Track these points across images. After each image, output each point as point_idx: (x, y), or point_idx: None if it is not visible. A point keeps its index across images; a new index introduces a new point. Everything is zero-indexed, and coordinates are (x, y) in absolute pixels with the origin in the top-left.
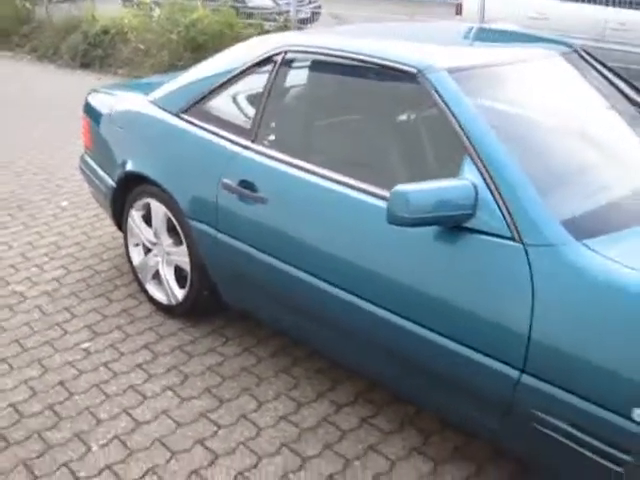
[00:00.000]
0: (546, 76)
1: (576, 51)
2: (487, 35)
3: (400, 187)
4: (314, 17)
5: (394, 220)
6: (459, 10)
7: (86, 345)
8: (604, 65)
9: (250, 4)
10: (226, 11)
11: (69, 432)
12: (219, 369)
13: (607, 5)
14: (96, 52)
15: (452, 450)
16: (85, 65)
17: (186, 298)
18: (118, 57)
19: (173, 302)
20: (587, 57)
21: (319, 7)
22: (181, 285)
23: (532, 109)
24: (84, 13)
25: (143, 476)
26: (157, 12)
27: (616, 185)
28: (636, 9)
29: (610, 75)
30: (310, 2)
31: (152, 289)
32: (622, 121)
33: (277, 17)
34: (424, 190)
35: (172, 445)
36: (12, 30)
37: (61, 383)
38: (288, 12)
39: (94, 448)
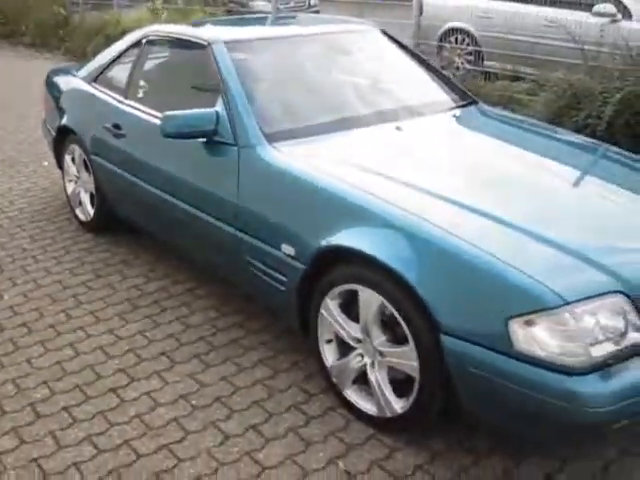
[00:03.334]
0: (323, 45)
1: (380, 30)
2: (306, 20)
3: (167, 113)
4: None
5: (163, 134)
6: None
7: (25, 246)
8: (395, 40)
9: (254, 8)
10: (219, 13)
11: None
12: (107, 260)
13: (541, 5)
14: None
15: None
16: None
17: (94, 215)
18: None
19: (88, 218)
20: (382, 34)
21: (317, 12)
22: (93, 206)
23: (286, 66)
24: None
25: (30, 311)
26: (164, 15)
27: (323, 115)
28: (564, 8)
29: (396, 45)
30: (310, 6)
31: (78, 211)
32: (369, 70)
33: None
34: (181, 114)
35: (57, 298)
36: (51, 35)
37: None
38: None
39: (5, 297)
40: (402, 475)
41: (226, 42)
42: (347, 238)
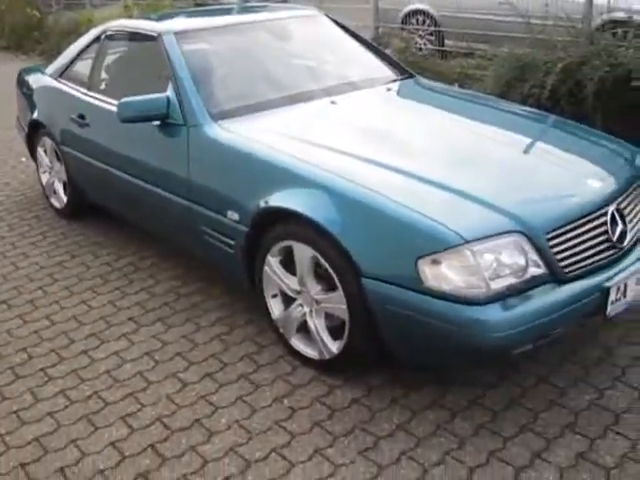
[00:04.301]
0: (268, 30)
1: (325, 15)
2: (258, 9)
3: (123, 99)
4: None
5: (120, 119)
6: None
7: (3, 234)
8: (341, 24)
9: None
10: (186, 5)
11: None
12: (80, 242)
13: None
14: None
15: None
16: None
17: (67, 201)
18: None
19: (62, 206)
20: (327, 18)
21: (286, 1)
22: (66, 193)
23: (232, 51)
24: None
25: (9, 290)
26: (135, 12)
27: (265, 94)
28: None
29: (340, 28)
30: None
31: (53, 200)
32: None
33: None
34: (135, 100)
35: (34, 277)
36: (26, 36)
37: None
38: None
39: None
40: (340, 408)
41: (175, 33)
42: (279, 199)
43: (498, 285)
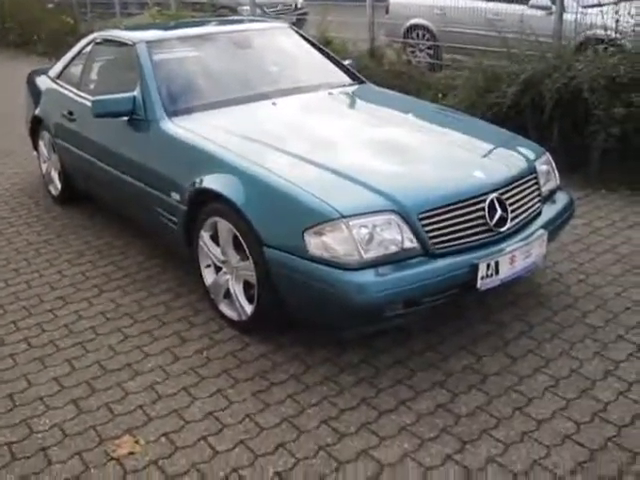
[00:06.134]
0: (232, 40)
1: (290, 27)
2: (226, 21)
3: (95, 97)
4: (299, 23)
5: (93, 115)
6: (387, 11)
7: (4, 215)
8: (305, 36)
9: (243, 13)
10: (204, 15)
11: None
12: (67, 225)
13: (488, 1)
14: None
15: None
16: None
17: (61, 189)
18: None
19: (57, 193)
20: (293, 29)
21: (305, 14)
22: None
23: (194, 58)
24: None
25: (0, 260)
26: (158, 21)
27: (216, 96)
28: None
29: (303, 39)
30: (296, 9)
31: (50, 187)
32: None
33: None
34: (106, 98)
35: (22, 251)
36: (60, 42)
37: None
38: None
39: None
40: (248, 360)
41: (147, 42)
42: (207, 182)
43: (371, 255)
